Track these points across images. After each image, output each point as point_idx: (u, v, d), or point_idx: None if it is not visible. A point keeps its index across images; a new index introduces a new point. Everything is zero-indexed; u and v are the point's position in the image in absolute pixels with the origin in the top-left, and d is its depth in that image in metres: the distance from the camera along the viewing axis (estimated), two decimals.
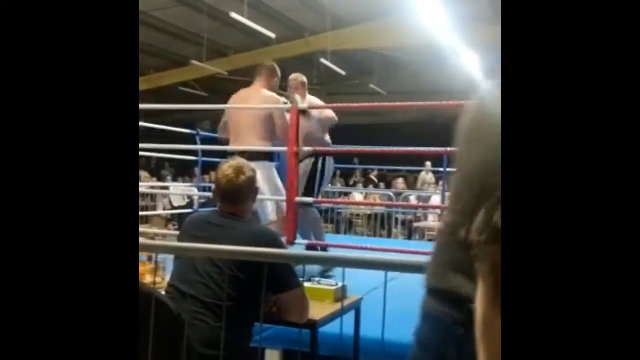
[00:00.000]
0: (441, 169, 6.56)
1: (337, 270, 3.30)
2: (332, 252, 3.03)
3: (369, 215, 8.86)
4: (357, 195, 9.49)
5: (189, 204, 8.09)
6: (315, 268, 2.92)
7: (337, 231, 8.69)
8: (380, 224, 8.55)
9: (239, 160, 2.06)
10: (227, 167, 1.99)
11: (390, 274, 3.08)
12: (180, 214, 7.69)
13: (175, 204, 9.66)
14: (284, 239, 3.10)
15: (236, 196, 1.96)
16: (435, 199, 7.99)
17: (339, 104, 3.79)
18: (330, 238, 6.22)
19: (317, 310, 2.07)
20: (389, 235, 8.13)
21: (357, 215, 9.23)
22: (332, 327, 2.13)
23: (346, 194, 9.96)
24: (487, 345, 0.37)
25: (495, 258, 0.35)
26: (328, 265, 1.72)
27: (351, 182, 11.56)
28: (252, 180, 2.00)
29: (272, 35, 10.69)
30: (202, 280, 1.80)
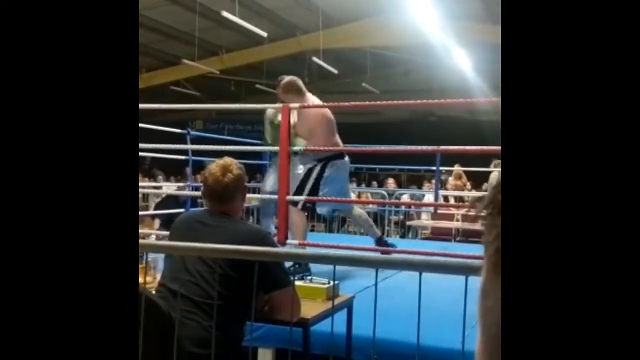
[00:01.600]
0: (433, 168, 6.60)
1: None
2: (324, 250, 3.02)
3: None
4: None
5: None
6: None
7: (330, 230, 8.69)
8: (373, 222, 8.53)
9: (226, 159, 2.03)
10: (214, 166, 1.98)
11: (385, 272, 3.09)
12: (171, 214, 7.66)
13: None
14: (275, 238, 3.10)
15: (222, 195, 1.95)
16: (429, 198, 8.00)
17: (332, 104, 3.77)
18: (322, 237, 6.22)
19: (309, 309, 2.06)
20: (382, 234, 8.12)
21: None
22: (324, 326, 2.12)
23: None
24: (482, 312, 0.39)
25: (499, 228, 0.38)
26: (320, 262, 1.71)
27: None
28: (239, 178, 1.98)
29: (264, 34, 10.67)
30: (193, 280, 1.79)
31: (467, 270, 1.34)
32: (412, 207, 8.43)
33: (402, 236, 8.27)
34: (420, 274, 1.44)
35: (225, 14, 9.61)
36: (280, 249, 2.77)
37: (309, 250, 2.42)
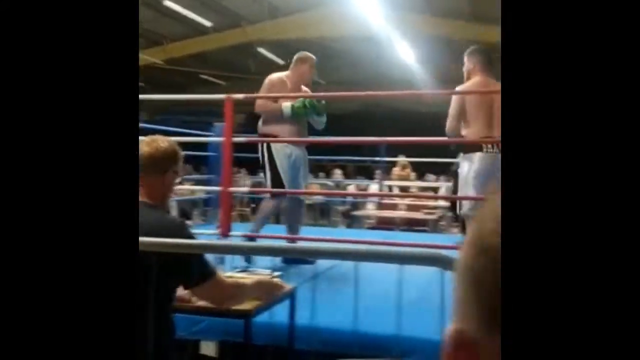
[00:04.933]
0: (377, 159, 6.70)
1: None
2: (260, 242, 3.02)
3: (309, 205, 8.92)
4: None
5: None
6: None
7: (277, 222, 8.69)
8: (320, 213, 8.63)
9: (156, 136, 1.90)
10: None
11: (328, 263, 3.13)
12: None
13: None
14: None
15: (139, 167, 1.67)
16: (374, 188, 8.11)
17: (281, 94, 3.77)
18: (270, 229, 6.21)
19: (251, 301, 2.06)
20: (329, 225, 8.22)
21: None
22: (268, 317, 2.13)
23: None
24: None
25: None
26: (257, 254, 1.71)
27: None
28: (157, 151, 1.77)
29: (208, 24, 10.50)
30: None
31: (401, 259, 1.38)
32: (359, 197, 8.54)
33: (349, 226, 8.37)
34: (357, 264, 1.47)
35: (167, 3, 9.41)
36: (220, 242, 2.76)
37: (248, 243, 2.42)
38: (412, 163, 8.54)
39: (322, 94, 4.05)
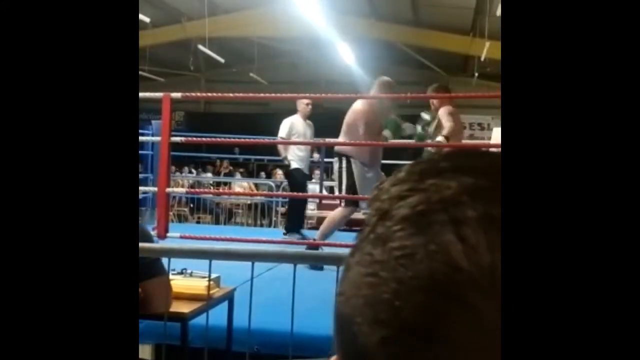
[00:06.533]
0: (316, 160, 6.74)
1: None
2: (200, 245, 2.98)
3: (250, 206, 8.87)
4: (238, 186, 9.48)
5: None
6: None
7: (217, 222, 8.61)
8: (261, 213, 8.60)
9: None
10: None
11: (266, 264, 3.13)
12: None
13: None
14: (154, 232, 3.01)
15: None
16: (315, 189, 8.16)
17: (220, 94, 3.73)
18: (209, 229, 6.15)
19: (188, 303, 2.04)
20: (270, 225, 8.21)
21: (237, 205, 9.20)
22: (207, 320, 2.11)
23: (225, 183, 9.91)
24: None
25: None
26: (195, 257, 1.68)
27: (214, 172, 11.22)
28: None
29: (146, 19, 10.25)
30: None
31: (337, 261, 1.40)
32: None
33: None
34: (295, 265, 1.48)
35: None
36: (160, 245, 2.70)
37: (185, 245, 2.39)
38: None
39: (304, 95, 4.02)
